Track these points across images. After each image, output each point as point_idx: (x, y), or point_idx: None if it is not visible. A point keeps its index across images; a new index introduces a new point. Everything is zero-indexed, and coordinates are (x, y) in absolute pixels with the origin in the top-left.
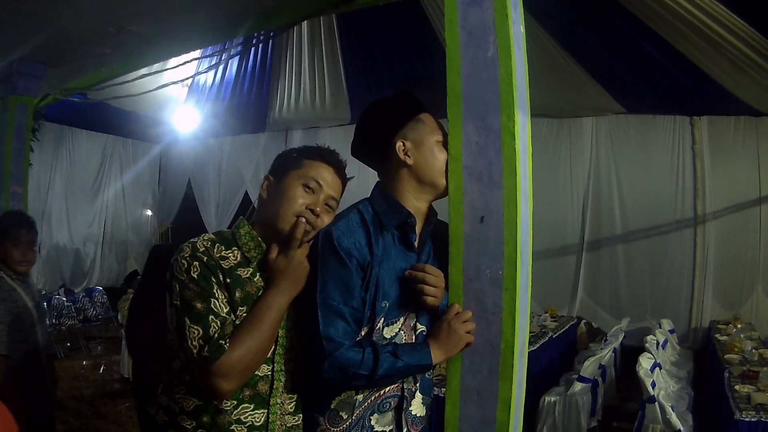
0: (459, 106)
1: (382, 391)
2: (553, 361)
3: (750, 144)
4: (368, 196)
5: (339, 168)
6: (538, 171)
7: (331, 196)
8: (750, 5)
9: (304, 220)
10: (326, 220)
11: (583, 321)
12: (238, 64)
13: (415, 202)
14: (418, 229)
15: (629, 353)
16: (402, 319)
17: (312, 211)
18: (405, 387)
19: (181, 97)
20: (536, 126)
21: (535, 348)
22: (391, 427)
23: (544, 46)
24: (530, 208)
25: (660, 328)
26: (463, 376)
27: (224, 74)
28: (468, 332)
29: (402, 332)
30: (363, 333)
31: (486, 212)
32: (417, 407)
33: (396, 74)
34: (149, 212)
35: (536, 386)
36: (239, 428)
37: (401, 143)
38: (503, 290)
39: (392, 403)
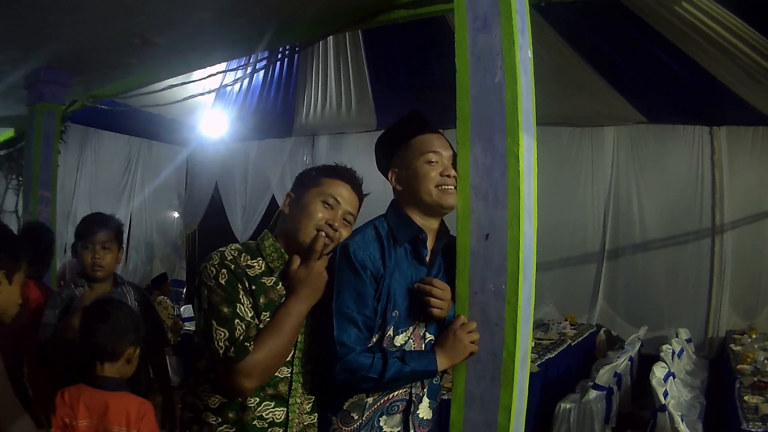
0: (467, 128)
1: (391, 395)
2: (571, 369)
3: None
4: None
5: (355, 185)
6: (560, 179)
7: (348, 212)
8: (761, 15)
9: (323, 234)
10: (344, 233)
11: (603, 329)
12: (264, 72)
13: (422, 221)
14: (429, 244)
15: (647, 361)
16: (411, 328)
17: (330, 225)
18: (413, 391)
19: (208, 102)
20: (558, 135)
21: (553, 355)
22: (399, 429)
23: (566, 59)
24: (534, 226)
25: (677, 337)
26: (468, 382)
27: (251, 81)
28: (472, 342)
29: (411, 340)
30: (374, 340)
31: (491, 229)
32: (424, 411)
33: (419, 82)
34: (176, 214)
35: (553, 393)
36: (261, 424)
37: (392, 172)
38: (506, 303)
39: (401, 406)
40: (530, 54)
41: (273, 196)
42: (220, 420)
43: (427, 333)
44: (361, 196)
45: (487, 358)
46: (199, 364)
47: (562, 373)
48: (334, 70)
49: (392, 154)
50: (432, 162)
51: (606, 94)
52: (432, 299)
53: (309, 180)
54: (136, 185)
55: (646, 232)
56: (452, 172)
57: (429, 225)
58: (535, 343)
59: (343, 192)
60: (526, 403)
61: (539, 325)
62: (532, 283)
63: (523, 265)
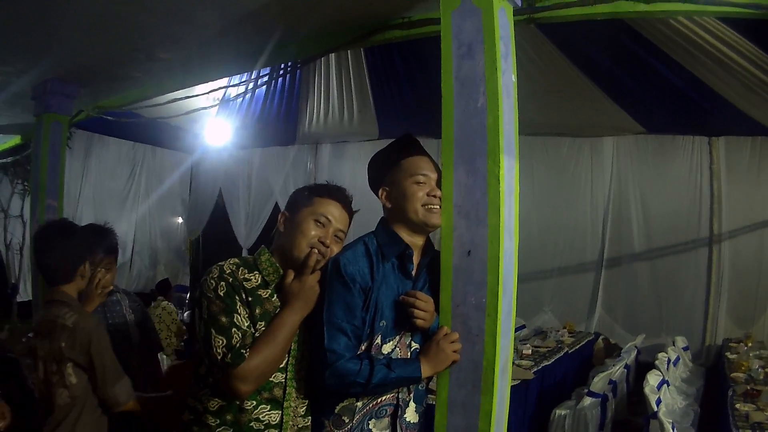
0: (451, 150)
1: (379, 399)
2: (568, 376)
3: (766, 164)
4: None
5: (345, 203)
6: (559, 188)
7: (339, 229)
8: (758, 29)
9: (315, 250)
10: (335, 249)
11: (601, 337)
12: (267, 81)
13: (409, 237)
14: (415, 259)
15: (645, 369)
16: (398, 338)
17: (322, 242)
18: (400, 396)
19: (212, 111)
20: (558, 145)
21: (549, 363)
22: (387, 431)
23: (566, 72)
24: (515, 243)
25: (673, 345)
26: (451, 389)
27: (254, 90)
28: (454, 351)
29: (398, 349)
30: (363, 348)
31: (472, 247)
32: (410, 414)
33: (420, 92)
34: (180, 220)
35: (550, 400)
36: (258, 425)
37: (382, 191)
38: (486, 315)
39: (388, 410)
40: (514, 78)
41: (276, 203)
42: (218, 422)
43: (412, 342)
44: (351, 213)
45: (469, 366)
46: (199, 369)
47: (558, 380)
48: (336, 81)
49: (384, 174)
50: (420, 183)
51: (605, 105)
52: (416, 311)
53: (302, 199)
54: (141, 191)
55: (645, 241)
56: (438, 193)
57: (415, 241)
58: (532, 350)
59: (333, 211)
60: (507, 409)
61: (537, 333)
62: (513, 297)
63: (503, 280)
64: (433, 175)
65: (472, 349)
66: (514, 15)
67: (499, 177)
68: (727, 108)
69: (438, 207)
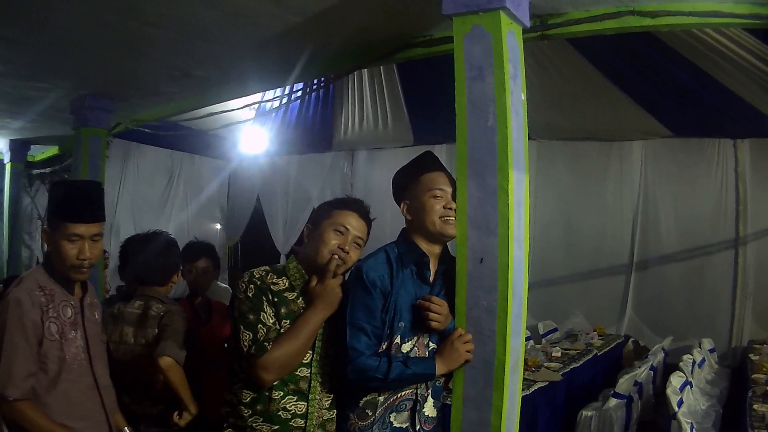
0: (465, 166)
1: (399, 394)
2: (597, 378)
3: None
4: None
5: (363, 213)
6: (589, 192)
7: (358, 236)
8: None
9: (336, 257)
10: (353, 256)
11: (631, 339)
12: (300, 97)
13: (426, 246)
14: (433, 267)
15: (672, 371)
16: (416, 338)
17: (342, 249)
18: (418, 392)
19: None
20: (588, 149)
21: (578, 365)
22: (407, 424)
23: (594, 80)
24: (525, 251)
25: (699, 347)
26: (465, 386)
27: (288, 104)
28: (468, 351)
29: (416, 348)
30: (384, 347)
31: (484, 255)
32: (429, 409)
33: (452, 99)
34: (218, 227)
35: (578, 402)
36: (285, 415)
37: (403, 204)
38: (497, 318)
39: (408, 405)
40: (523, 97)
41: (314, 210)
42: (251, 412)
43: (430, 342)
44: (368, 221)
45: (481, 365)
46: (234, 365)
47: (587, 382)
48: (370, 89)
49: (405, 188)
50: (437, 197)
51: (633, 110)
52: (430, 314)
53: (323, 212)
54: (179, 198)
55: (673, 244)
56: (453, 206)
57: (432, 250)
58: (561, 353)
59: (352, 220)
60: (519, 405)
61: (568, 336)
62: (523, 301)
63: (513, 285)
64: (449, 189)
65: (484, 349)
66: (525, 33)
67: (508, 191)
68: (749, 111)
69: (453, 219)
